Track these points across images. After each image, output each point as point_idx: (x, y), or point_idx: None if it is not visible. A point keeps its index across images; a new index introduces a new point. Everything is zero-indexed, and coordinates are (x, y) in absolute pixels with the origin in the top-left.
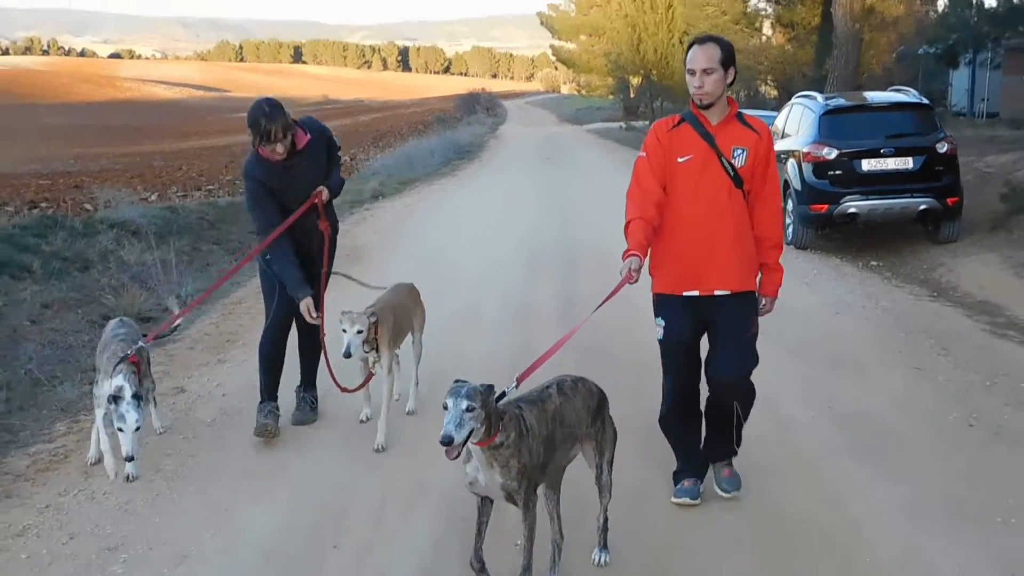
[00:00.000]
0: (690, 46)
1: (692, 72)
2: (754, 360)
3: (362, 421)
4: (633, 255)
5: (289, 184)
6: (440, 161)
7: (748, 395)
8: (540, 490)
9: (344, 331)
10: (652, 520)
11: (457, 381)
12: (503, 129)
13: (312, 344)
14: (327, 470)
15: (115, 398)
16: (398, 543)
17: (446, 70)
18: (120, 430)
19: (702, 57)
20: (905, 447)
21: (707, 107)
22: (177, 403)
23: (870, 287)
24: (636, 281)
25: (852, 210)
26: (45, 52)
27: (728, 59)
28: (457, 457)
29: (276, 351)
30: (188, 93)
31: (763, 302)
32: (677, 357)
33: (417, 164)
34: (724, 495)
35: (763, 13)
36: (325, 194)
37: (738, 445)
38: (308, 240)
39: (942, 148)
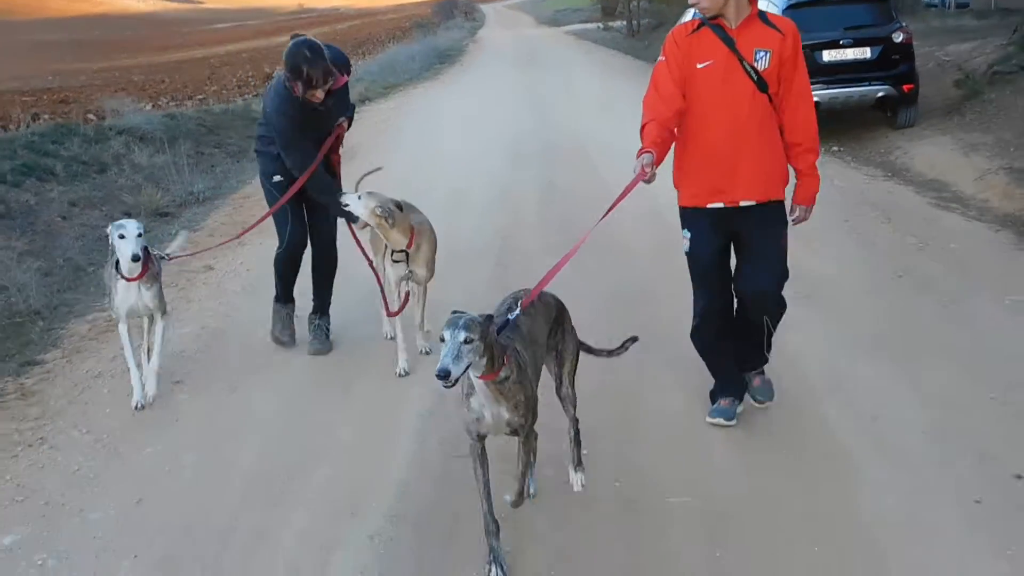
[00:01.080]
0: None
1: None
2: (785, 273)
3: (390, 338)
4: (647, 151)
5: (318, 121)
6: (421, 66)
7: (778, 308)
8: None
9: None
10: (684, 438)
11: (455, 312)
12: (482, 33)
13: (327, 266)
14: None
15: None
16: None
17: None
18: (121, 237)
19: None
20: (840, 295)
21: (712, 18)
22: (209, 278)
23: (828, 169)
24: (651, 178)
25: (815, 99)
26: None
27: None
28: (453, 387)
29: (291, 268)
30: (161, 6)
31: (796, 211)
32: (706, 270)
33: (399, 69)
34: (757, 405)
35: None
36: (346, 126)
37: (768, 352)
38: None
39: (898, 38)
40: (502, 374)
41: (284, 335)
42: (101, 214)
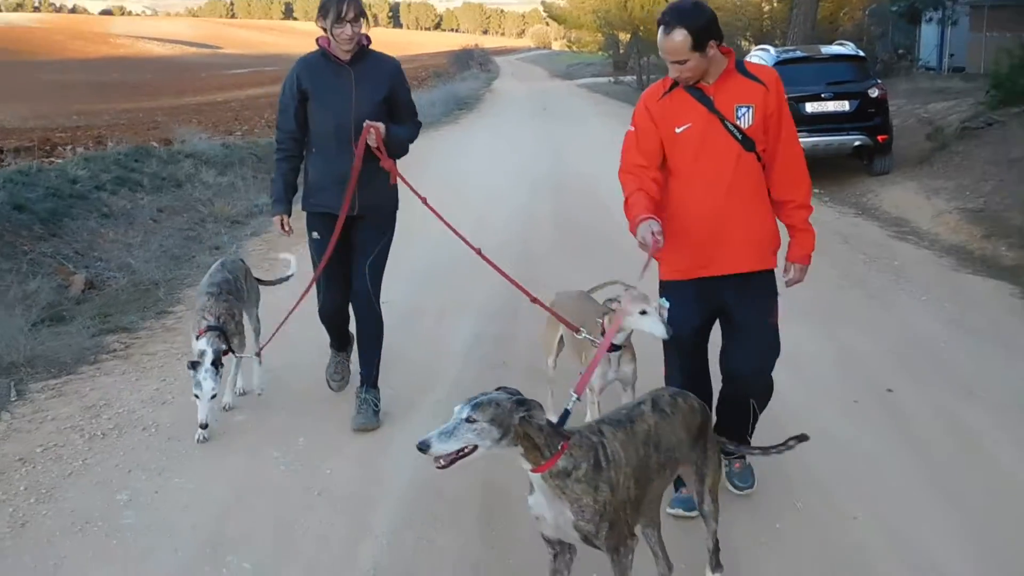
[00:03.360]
0: (658, 26)
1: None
2: (776, 352)
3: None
4: (647, 219)
5: (333, 91)
6: (442, 111)
7: (767, 391)
8: (637, 529)
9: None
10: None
11: (500, 389)
12: (497, 84)
13: (368, 331)
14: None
15: (194, 364)
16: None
17: (437, 26)
18: (196, 396)
19: (670, 49)
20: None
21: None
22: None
23: None
24: (661, 246)
25: None
26: (36, 9)
27: (701, 40)
28: (445, 468)
29: (330, 327)
30: (181, 50)
31: (791, 271)
32: (684, 346)
33: (422, 113)
34: (736, 492)
35: None
36: (382, 129)
37: (750, 435)
38: (340, 170)
39: (873, 93)
40: (560, 464)
41: (333, 379)
42: (183, 220)
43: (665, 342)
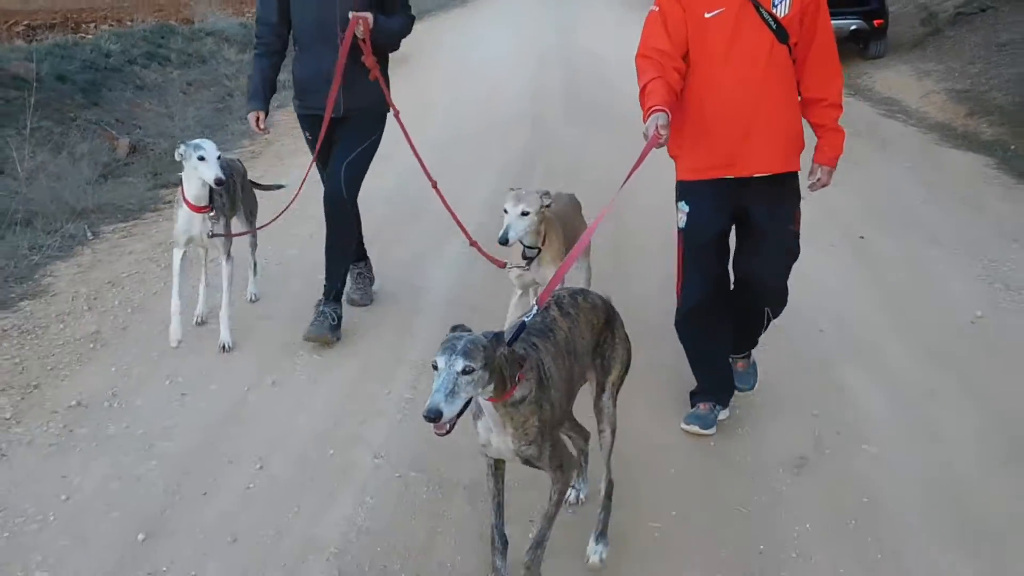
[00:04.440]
0: None
1: None
2: (794, 258)
3: None
4: (657, 110)
5: None
6: None
7: (783, 298)
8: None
9: (505, 211)
10: (651, 455)
11: (455, 330)
12: None
13: (342, 237)
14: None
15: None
16: None
17: None
18: (201, 159)
19: None
20: None
21: None
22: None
23: None
24: (664, 142)
25: None
26: None
27: None
28: (448, 433)
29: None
30: None
31: (818, 173)
32: (702, 252)
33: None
34: (737, 391)
35: None
36: (370, 20)
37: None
38: (326, 68)
39: None
40: (516, 394)
41: (354, 296)
42: (211, 93)
43: (683, 249)
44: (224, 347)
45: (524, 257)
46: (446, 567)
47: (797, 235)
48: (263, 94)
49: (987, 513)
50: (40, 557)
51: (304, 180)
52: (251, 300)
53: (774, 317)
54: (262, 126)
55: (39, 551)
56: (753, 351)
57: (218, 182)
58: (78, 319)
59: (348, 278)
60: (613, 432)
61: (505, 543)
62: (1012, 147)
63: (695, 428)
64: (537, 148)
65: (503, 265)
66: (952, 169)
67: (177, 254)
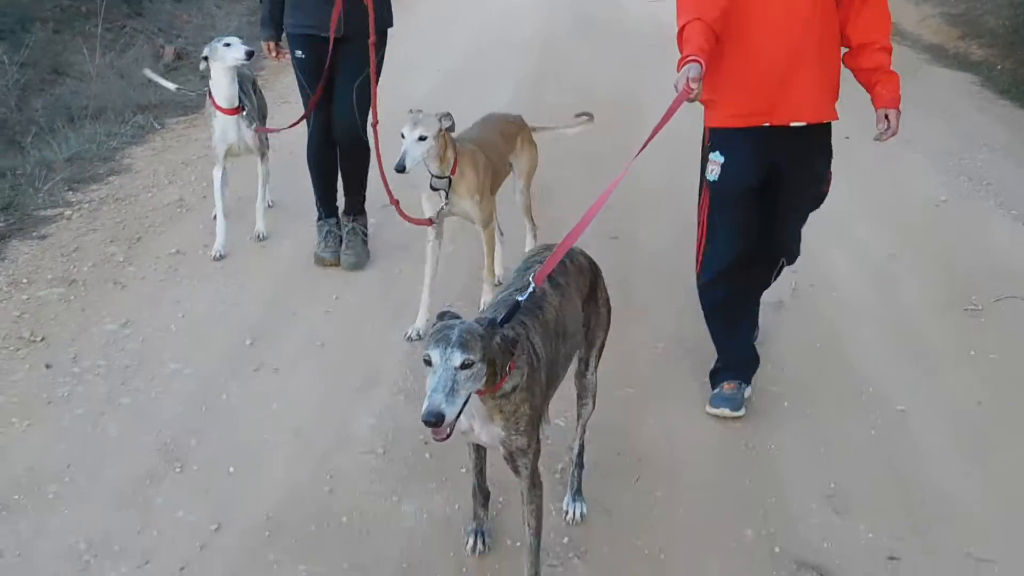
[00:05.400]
0: None
1: None
2: (816, 206)
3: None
4: (692, 61)
5: None
6: None
7: (798, 250)
8: None
9: (402, 136)
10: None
11: (442, 317)
12: None
13: (357, 162)
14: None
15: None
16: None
17: None
18: (227, 45)
19: None
20: None
21: None
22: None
23: None
24: (695, 95)
25: None
26: None
27: None
28: (448, 438)
29: (318, 170)
30: None
31: (889, 119)
32: (737, 207)
33: None
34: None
35: None
36: None
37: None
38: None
39: None
40: (507, 384)
41: (324, 254)
42: (243, 7)
43: (709, 207)
44: (259, 236)
45: (432, 188)
46: None
47: (825, 195)
48: (271, 20)
49: (923, 340)
50: (171, 354)
51: (312, 107)
52: (269, 205)
53: (788, 265)
54: (276, 52)
55: (169, 351)
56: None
57: (249, 55)
58: (162, 190)
59: (343, 238)
60: (594, 404)
61: (486, 495)
62: (998, 66)
63: (725, 411)
64: (549, 63)
65: (430, 223)
66: (939, 85)
67: (217, 173)
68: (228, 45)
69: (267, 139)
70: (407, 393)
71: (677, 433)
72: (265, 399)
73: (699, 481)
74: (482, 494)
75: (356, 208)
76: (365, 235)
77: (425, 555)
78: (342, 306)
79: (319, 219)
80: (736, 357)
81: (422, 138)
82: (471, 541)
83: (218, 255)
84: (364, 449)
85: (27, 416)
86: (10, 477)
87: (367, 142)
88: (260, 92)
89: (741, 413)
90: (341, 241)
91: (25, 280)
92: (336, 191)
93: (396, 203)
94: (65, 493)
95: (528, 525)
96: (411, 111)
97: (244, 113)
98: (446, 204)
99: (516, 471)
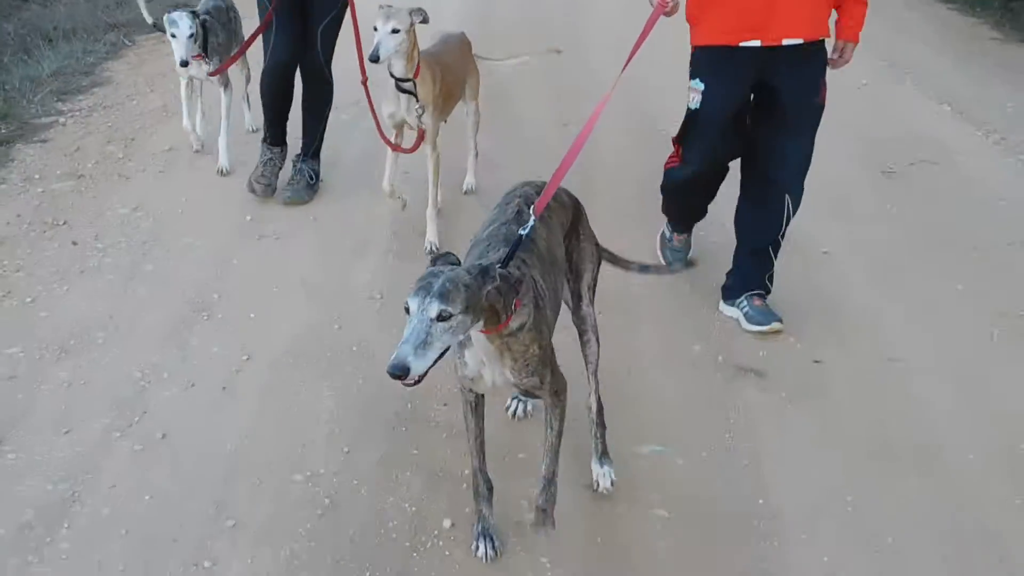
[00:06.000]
0: None
1: None
2: (816, 127)
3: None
4: None
5: None
6: None
7: (802, 174)
8: None
9: (375, 29)
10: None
11: (436, 262)
12: None
13: (318, 100)
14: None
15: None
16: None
17: None
18: (172, 36)
19: None
20: None
21: None
22: None
23: None
24: (673, 9)
25: None
26: None
27: None
28: (419, 383)
29: (273, 94)
30: None
31: (843, 48)
32: (717, 132)
33: None
34: (748, 329)
35: None
36: None
37: (782, 237)
38: None
39: None
40: (513, 323)
41: (259, 183)
42: None
43: (689, 126)
44: (222, 171)
45: (399, 90)
46: None
47: (822, 107)
48: None
49: (847, 198)
50: (182, 230)
51: (264, 26)
52: (251, 130)
53: (794, 208)
54: None
55: (180, 228)
56: None
57: (182, 64)
58: (145, 98)
59: (290, 175)
60: (598, 340)
61: (490, 488)
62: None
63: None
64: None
65: (414, 150)
66: (932, 18)
67: (183, 83)
68: (173, 36)
69: (241, 71)
70: (395, 253)
71: (632, 278)
72: (272, 261)
73: (654, 312)
74: (485, 484)
75: (310, 151)
76: (311, 179)
77: None
78: (328, 188)
79: (263, 141)
80: (685, 222)
81: (395, 31)
82: (480, 547)
83: (223, 171)
84: (365, 296)
85: (65, 282)
86: (62, 327)
87: (329, 78)
88: (237, 19)
89: (779, 327)
90: (277, 173)
91: (37, 175)
92: (286, 122)
93: (389, 143)
94: (111, 338)
95: (550, 427)
96: (382, 6)
97: (205, 60)
98: (418, 107)
99: (536, 397)
